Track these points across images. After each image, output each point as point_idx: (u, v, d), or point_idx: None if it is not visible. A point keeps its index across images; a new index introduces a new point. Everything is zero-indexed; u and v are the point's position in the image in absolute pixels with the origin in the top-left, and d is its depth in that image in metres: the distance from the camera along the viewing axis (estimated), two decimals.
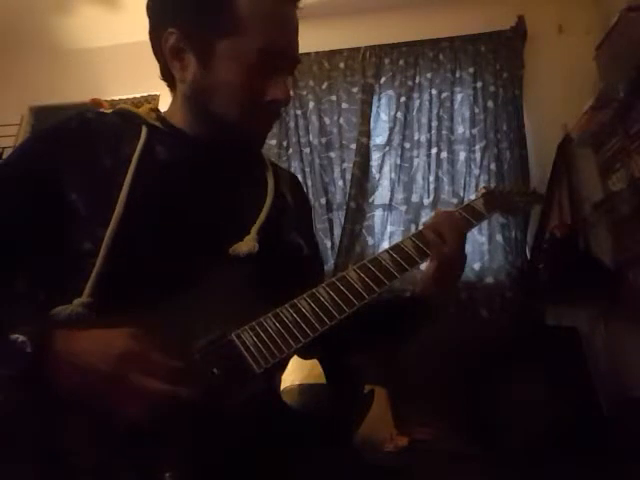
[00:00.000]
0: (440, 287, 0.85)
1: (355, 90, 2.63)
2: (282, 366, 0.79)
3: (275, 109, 0.77)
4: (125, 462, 0.52)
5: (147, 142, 0.73)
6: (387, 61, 2.63)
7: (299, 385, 1.45)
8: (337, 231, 2.45)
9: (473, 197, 0.97)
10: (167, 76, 0.80)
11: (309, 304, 0.67)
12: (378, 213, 2.48)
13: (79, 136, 0.72)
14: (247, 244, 0.70)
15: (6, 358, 0.51)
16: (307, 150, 2.57)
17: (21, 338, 0.51)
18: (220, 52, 0.71)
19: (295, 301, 0.67)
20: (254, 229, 0.73)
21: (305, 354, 0.84)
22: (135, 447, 0.53)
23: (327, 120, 2.62)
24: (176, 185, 0.72)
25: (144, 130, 0.75)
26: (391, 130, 2.53)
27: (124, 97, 2.83)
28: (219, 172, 0.77)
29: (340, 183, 2.52)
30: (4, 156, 2.87)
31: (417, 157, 2.48)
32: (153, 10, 0.77)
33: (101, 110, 0.80)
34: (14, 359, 0.51)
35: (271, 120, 0.80)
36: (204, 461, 0.55)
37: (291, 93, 0.78)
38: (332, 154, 2.57)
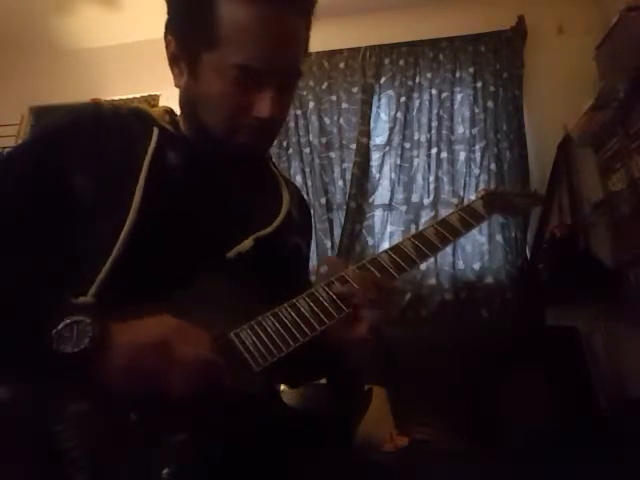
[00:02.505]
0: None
1: (355, 90, 2.63)
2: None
3: (261, 125, 0.73)
4: (123, 457, 0.52)
5: (158, 145, 0.73)
6: (387, 61, 2.64)
7: None
8: (337, 231, 2.46)
9: (473, 197, 0.97)
10: None
11: (308, 304, 0.67)
12: (378, 213, 2.49)
13: (93, 132, 0.72)
14: (241, 246, 0.71)
15: (71, 337, 0.52)
16: (307, 150, 2.58)
17: (87, 320, 0.53)
18: (205, 64, 0.70)
19: (294, 301, 0.67)
20: (254, 236, 0.73)
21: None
22: (133, 442, 0.53)
23: (327, 120, 2.63)
24: (184, 191, 0.73)
25: (155, 132, 0.74)
26: (391, 130, 2.54)
27: (124, 97, 2.83)
28: (227, 180, 0.77)
29: (340, 183, 2.53)
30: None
31: (417, 157, 2.48)
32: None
33: (118, 107, 0.80)
34: (80, 338, 0.52)
35: (258, 135, 0.74)
36: (203, 458, 0.55)
37: (284, 109, 0.75)
38: (332, 154, 2.58)
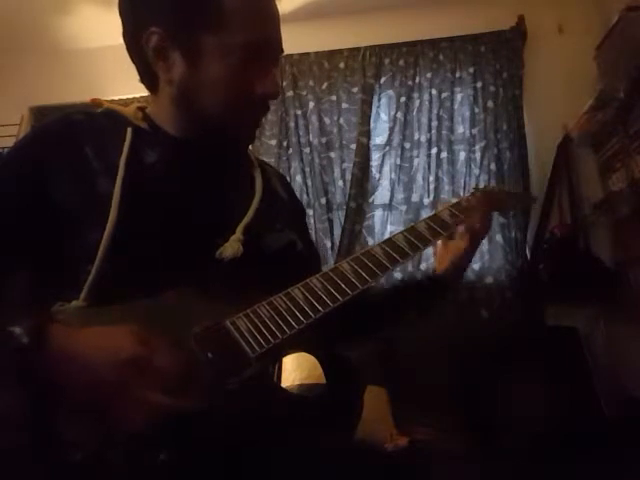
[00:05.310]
0: (460, 264, 0.92)
1: (355, 90, 2.63)
2: (277, 357, 0.78)
3: (265, 103, 0.76)
4: (119, 441, 0.51)
5: (133, 145, 0.72)
6: (387, 61, 2.63)
7: (299, 385, 1.45)
8: (337, 231, 2.46)
9: None
10: (148, 79, 0.78)
11: (302, 293, 0.68)
12: (378, 213, 2.49)
13: (65, 139, 0.72)
14: (232, 246, 0.70)
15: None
16: (307, 150, 2.57)
17: (18, 330, 0.49)
18: (207, 49, 0.70)
19: (289, 290, 0.68)
20: (240, 228, 0.72)
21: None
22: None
23: (327, 120, 2.62)
24: (164, 188, 0.72)
25: (129, 132, 0.74)
26: (391, 130, 2.54)
27: (124, 97, 2.82)
28: (206, 172, 0.77)
29: (340, 183, 2.52)
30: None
31: (417, 157, 2.48)
32: (130, 10, 0.75)
33: (89, 111, 0.78)
34: (8, 351, 0.49)
35: (261, 115, 0.79)
36: (199, 442, 0.54)
37: (280, 86, 0.78)
38: (332, 154, 2.57)
